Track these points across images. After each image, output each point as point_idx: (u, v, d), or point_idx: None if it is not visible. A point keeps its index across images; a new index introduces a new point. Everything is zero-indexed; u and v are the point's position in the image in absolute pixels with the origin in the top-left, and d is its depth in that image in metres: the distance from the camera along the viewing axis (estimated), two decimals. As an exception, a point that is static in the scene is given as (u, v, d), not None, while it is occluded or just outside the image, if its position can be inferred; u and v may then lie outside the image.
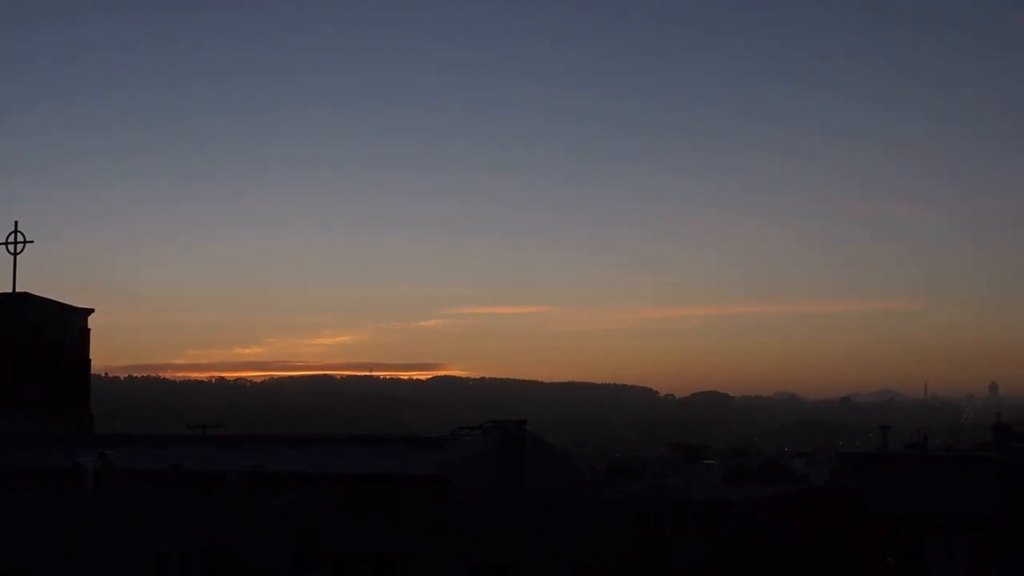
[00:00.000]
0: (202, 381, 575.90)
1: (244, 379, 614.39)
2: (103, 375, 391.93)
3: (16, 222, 72.56)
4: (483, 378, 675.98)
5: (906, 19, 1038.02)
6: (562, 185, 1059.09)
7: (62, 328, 71.75)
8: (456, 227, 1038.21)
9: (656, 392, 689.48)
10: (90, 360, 75.25)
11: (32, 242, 71.86)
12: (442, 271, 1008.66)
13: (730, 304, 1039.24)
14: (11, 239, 71.81)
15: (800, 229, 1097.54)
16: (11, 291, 71.52)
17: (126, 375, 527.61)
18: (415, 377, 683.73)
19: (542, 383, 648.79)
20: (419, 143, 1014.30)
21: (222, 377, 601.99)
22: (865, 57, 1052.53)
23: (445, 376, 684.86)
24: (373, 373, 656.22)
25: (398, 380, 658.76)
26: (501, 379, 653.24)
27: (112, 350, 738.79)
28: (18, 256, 71.34)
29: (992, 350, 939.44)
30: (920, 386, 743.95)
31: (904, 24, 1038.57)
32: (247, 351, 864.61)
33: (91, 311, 74.37)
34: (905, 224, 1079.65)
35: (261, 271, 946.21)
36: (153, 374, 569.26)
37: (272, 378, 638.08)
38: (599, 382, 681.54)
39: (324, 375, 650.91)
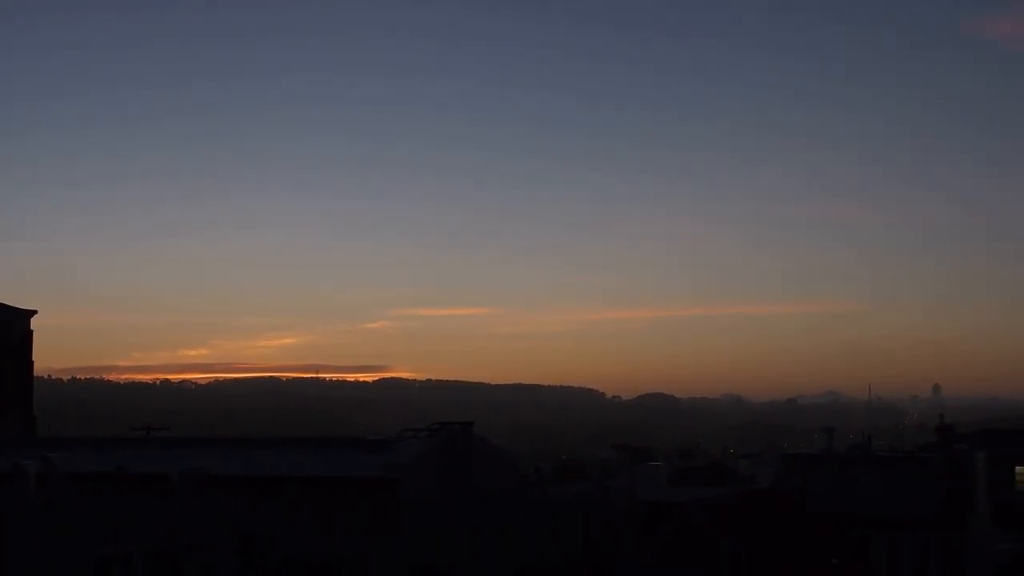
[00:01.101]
0: (146, 383, 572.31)
1: (189, 381, 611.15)
2: (46, 377, 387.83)
3: (-43, 224, 71.86)
4: (429, 380, 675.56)
5: (856, 23, 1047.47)
6: (509, 188, 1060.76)
7: (4, 329, 71.05)
8: (404, 229, 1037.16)
9: (602, 394, 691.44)
10: (32, 362, 74.56)
11: (-27, 243, 71.14)
12: (389, 273, 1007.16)
13: (677, 306, 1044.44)
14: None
15: (746, 231, 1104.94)
16: (-48, 292, 70.68)
17: (69, 377, 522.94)
18: (361, 379, 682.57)
19: (489, 385, 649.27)
20: (367, 147, 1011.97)
21: (167, 379, 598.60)
22: (820, 60, 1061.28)
23: (392, 378, 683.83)
24: (319, 375, 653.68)
25: (344, 382, 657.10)
26: (448, 381, 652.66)
27: (55, 352, 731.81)
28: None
29: (935, 352, 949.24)
30: (864, 388, 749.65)
31: (854, 28, 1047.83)
32: (192, 353, 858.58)
33: (34, 312, 73.73)
34: (849, 227, 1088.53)
35: (207, 273, 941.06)
36: (97, 376, 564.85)
37: (217, 380, 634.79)
38: (546, 384, 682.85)
39: (270, 377, 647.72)
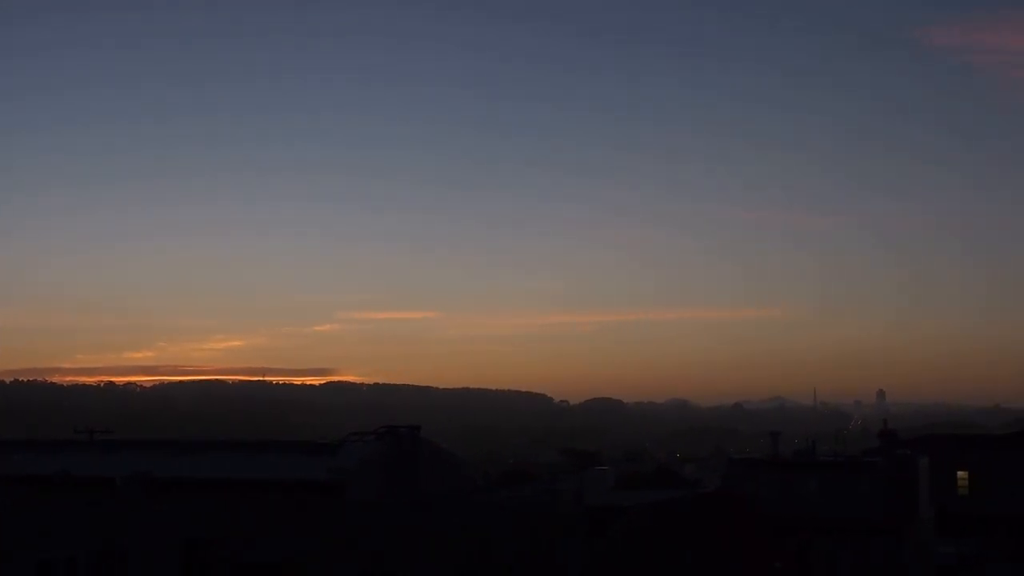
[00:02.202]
0: (91, 385, 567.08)
1: (134, 384, 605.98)
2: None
3: None
4: (377, 383, 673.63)
5: (805, 30, 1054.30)
6: (457, 192, 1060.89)
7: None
8: (352, 233, 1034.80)
9: (550, 398, 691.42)
10: (-26, 364, 73.84)
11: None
12: (337, 277, 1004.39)
13: (624, 311, 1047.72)
14: None
15: (694, 237, 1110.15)
16: None
17: (12, 379, 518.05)
18: (308, 382, 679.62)
19: (437, 389, 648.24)
20: (314, 152, 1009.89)
21: (111, 382, 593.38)
22: (771, 65, 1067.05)
23: (339, 381, 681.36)
24: (266, 378, 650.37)
25: (291, 385, 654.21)
26: (396, 385, 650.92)
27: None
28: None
29: (880, 358, 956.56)
30: (810, 393, 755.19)
31: (803, 34, 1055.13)
32: (137, 355, 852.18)
33: (-24, 314, 72.97)
34: (794, 233, 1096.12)
35: (152, 276, 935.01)
36: (40, 378, 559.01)
37: (163, 383, 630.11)
38: (493, 388, 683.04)
39: (216, 380, 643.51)
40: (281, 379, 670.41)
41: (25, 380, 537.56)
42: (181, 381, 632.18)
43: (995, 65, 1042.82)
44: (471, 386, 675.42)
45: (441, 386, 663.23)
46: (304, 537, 45.32)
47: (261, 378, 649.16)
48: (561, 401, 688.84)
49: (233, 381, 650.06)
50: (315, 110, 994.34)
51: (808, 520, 75.24)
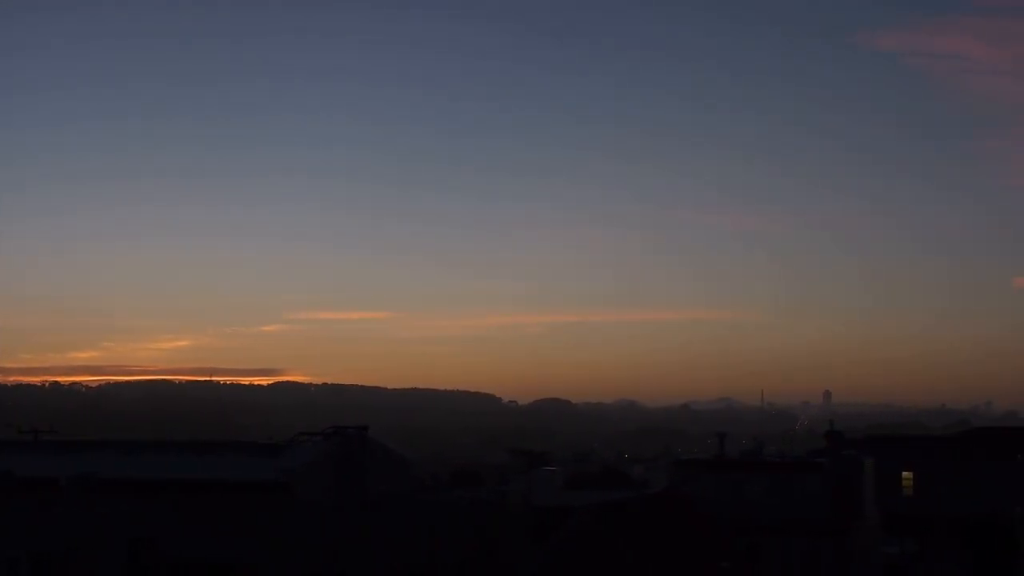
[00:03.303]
0: (35, 385, 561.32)
1: (79, 384, 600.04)
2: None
3: None
4: (325, 384, 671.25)
5: (756, 31, 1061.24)
6: (406, 191, 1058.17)
7: None
8: (300, 232, 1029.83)
9: (498, 398, 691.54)
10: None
11: None
12: (285, 276, 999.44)
13: (573, 311, 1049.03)
14: None
15: (642, 237, 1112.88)
16: None
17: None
18: (256, 383, 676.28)
19: (385, 389, 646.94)
20: (262, 151, 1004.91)
21: (56, 381, 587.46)
22: (724, 67, 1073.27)
23: (286, 382, 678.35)
24: (213, 379, 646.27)
25: (239, 386, 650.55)
26: (343, 385, 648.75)
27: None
28: None
29: (826, 360, 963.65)
30: (757, 394, 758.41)
31: (754, 33, 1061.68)
32: (82, 355, 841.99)
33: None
34: (742, 235, 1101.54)
35: (97, 274, 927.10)
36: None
37: (108, 383, 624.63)
38: (442, 388, 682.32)
39: (162, 380, 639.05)
40: (228, 379, 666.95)
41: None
42: (127, 381, 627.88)
43: (943, 68, 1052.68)
44: (419, 386, 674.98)
45: (389, 386, 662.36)
46: (251, 537, 45.16)
47: (208, 378, 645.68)
48: (509, 401, 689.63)
49: (180, 381, 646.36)
50: (263, 111, 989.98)
51: (755, 520, 75.66)
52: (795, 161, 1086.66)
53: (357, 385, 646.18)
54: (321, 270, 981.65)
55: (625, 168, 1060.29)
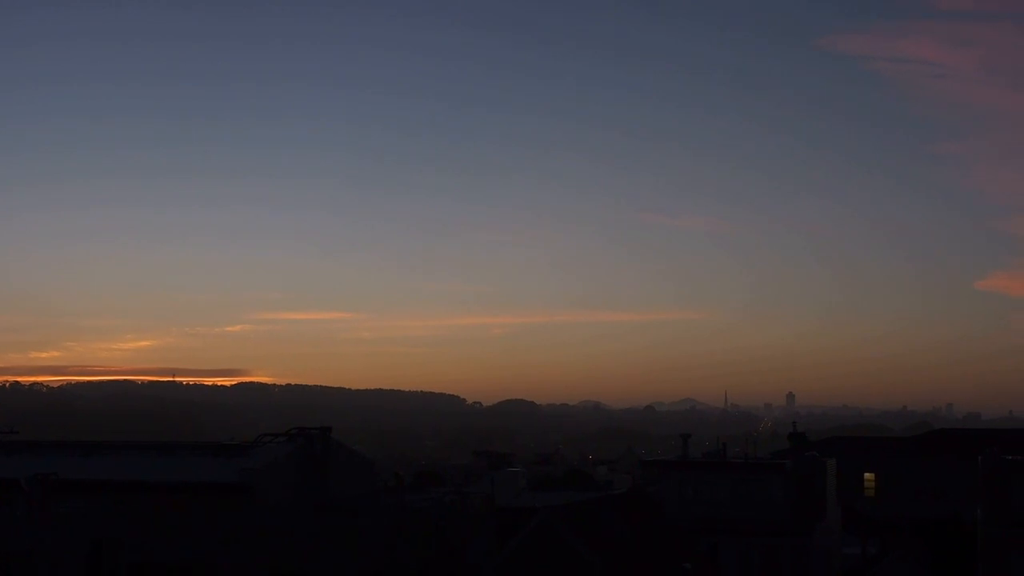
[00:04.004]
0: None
1: (40, 384, 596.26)
2: None
3: None
4: (289, 384, 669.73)
5: (707, 37, 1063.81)
6: (372, 193, 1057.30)
7: None
8: (265, 233, 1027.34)
9: (463, 400, 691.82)
10: None
11: None
12: (249, 277, 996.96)
13: (537, 313, 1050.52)
14: None
15: (607, 240, 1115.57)
16: None
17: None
18: (219, 383, 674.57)
19: (349, 390, 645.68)
20: (227, 153, 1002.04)
21: (16, 381, 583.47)
22: (691, 66, 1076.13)
23: (250, 382, 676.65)
24: (176, 379, 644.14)
25: (202, 386, 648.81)
26: (307, 385, 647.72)
27: None
28: None
29: (789, 362, 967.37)
30: (721, 395, 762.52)
31: (726, 35, 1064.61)
32: (43, 355, 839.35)
33: None
34: (707, 238, 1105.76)
35: (60, 274, 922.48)
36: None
37: (70, 383, 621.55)
38: (406, 389, 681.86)
39: (125, 380, 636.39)
40: (191, 380, 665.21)
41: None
42: (89, 381, 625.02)
43: (907, 72, 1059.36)
44: (383, 387, 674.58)
45: (353, 387, 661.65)
46: (213, 538, 44.93)
47: (171, 378, 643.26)
48: (474, 403, 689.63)
49: (142, 381, 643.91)
50: (225, 114, 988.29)
51: (718, 521, 75.88)
52: (760, 163, 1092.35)
53: (321, 386, 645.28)
54: (285, 271, 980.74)
55: (591, 169, 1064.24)
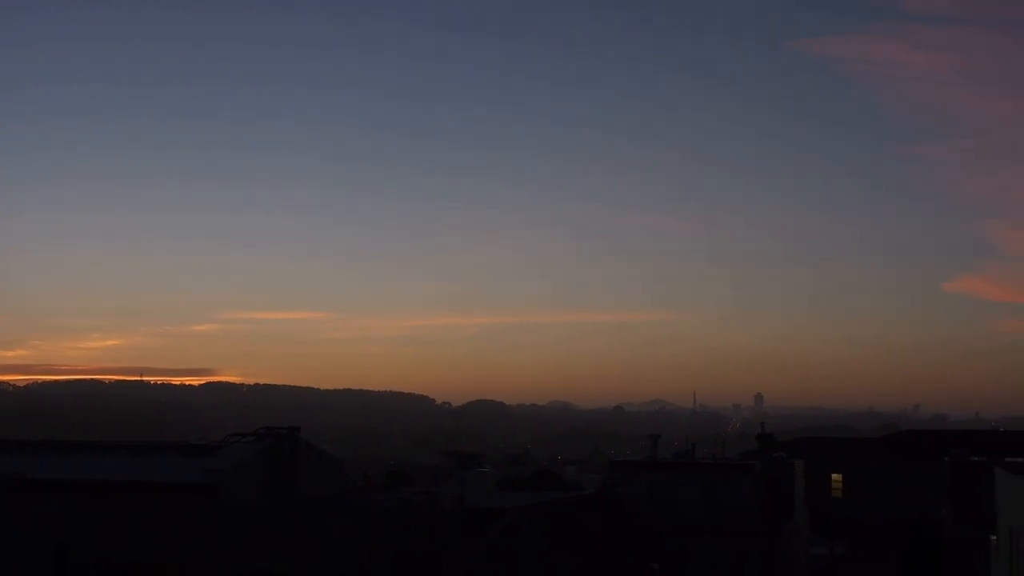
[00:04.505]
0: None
1: (6, 383, 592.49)
2: None
3: None
4: (258, 384, 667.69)
5: (681, 37, 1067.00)
6: (341, 192, 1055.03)
7: None
8: (234, 232, 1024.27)
9: (432, 400, 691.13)
10: None
11: None
12: (218, 276, 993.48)
13: (507, 313, 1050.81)
14: None
15: (576, 240, 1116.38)
16: None
17: None
18: (187, 382, 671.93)
19: (318, 390, 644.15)
20: (195, 152, 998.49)
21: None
22: (663, 65, 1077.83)
23: (219, 382, 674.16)
24: (143, 378, 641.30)
25: (170, 386, 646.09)
26: (276, 385, 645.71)
27: None
28: None
29: (758, 362, 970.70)
30: (690, 396, 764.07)
31: (697, 36, 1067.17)
32: (9, 354, 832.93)
33: None
34: (678, 238, 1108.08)
35: (26, 272, 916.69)
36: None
37: (36, 382, 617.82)
38: (375, 389, 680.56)
39: (92, 380, 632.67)
40: (159, 379, 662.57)
41: None
42: (56, 380, 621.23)
43: (878, 74, 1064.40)
44: (352, 387, 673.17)
45: (322, 387, 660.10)
46: (180, 539, 44.72)
47: (139, 378, 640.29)
48: (443, 403, 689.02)
49: (110, 381, 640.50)
50: (195, 114, 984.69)
51: (686, 521, 76.04)
52: (730, 164, 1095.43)
53: (289, 385, 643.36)
54: (254, 270, 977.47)
55: (561, 169, 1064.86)
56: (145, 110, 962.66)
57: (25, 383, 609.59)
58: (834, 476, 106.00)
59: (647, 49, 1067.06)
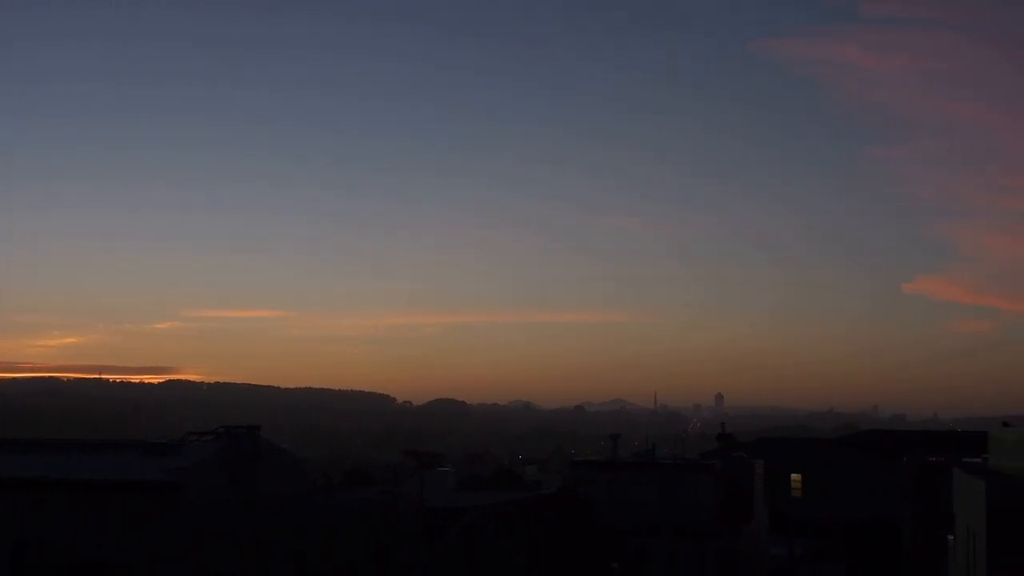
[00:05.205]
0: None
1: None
2: None
3: None
4: (218, 382, 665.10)
5: (648, 39, 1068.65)
6: (303, 190, 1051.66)
7: None
8: (194, 230, 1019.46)
9: (393, 399, 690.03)
10: None
11: None
12: (178, 274, 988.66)
13: (468, 312, 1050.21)
14: None
15: (539, 240, 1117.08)
16: None
17: None
18: (147, 381, 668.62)
19: (279, 388, 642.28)
20: (153, 150, 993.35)
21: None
22: (630, 66, 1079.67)
23: (178, 380, 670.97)
24: (103, 376, 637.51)
25: (129, 384, 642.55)
26: (236, 384, 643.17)
27: None
28: None
29: (718, 364, 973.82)
30: (650, 396, 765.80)
31: (648, 42, 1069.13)
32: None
33: None
34: (638, 238, 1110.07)
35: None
36: None
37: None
38: (336, 388, 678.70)
39: (50, 377, 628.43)
40: (119, 377, 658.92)
41: None
42: (14, 378, 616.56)
43: (834, 77, 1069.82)
44: (314, 386, 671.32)
45: (283, 386, 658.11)
46: (139, 538, 44.47)
47: (98, 376, 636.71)
48: (404, 402, 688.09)
49: (69, 379, 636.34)
50: (154, 113, 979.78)
51: (646, 521, 76.19)
52: (693, 165, 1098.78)
53: (250, 384, 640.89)
54: (214, 268, 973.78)
55: (525, 169, 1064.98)
56: (100, 109, 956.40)
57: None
58: (794, 476, 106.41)
59: (612, 50, 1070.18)
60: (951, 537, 57.41)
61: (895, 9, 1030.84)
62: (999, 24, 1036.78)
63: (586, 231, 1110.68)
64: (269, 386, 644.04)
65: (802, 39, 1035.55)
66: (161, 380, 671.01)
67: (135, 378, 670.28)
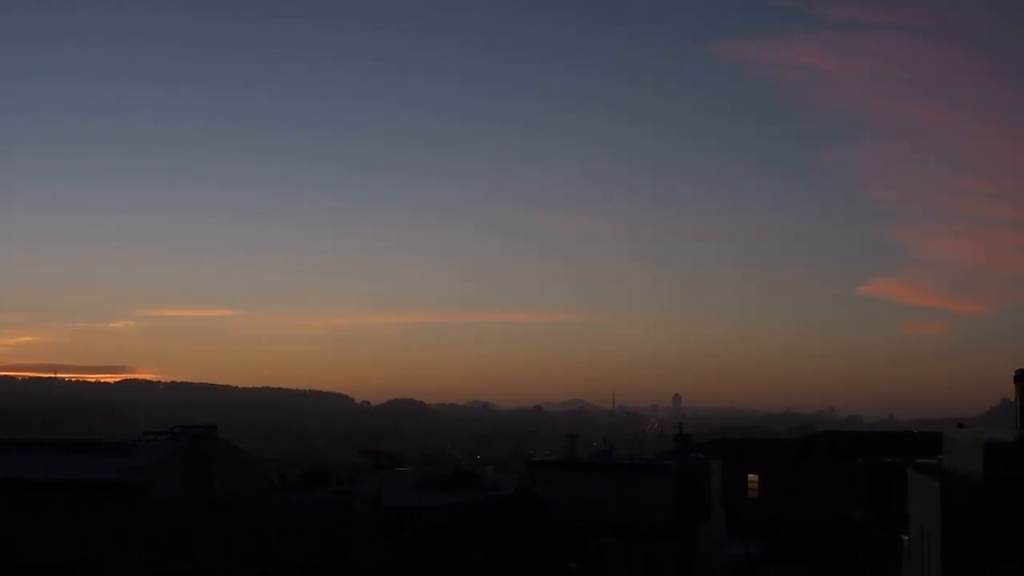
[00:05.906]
0: None
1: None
2: None
3: None
4: (174, 382, 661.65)
5: (606, 38, 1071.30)
6: (260, 189, 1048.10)
7: None
8: (151, 229, 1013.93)
9: (351, 399, 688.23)
10: None
11: None
12: (134, 272, 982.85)
13: (427, 312, 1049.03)
14: None
15: (497, 240, 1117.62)
16: None
17: None
18: (103, 380, 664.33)
19: (235, 388, 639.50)
20: (113, 149, 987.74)
21: None
22: (590, 66, 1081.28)
23: (135, 379, 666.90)
24: (58, 375, 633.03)
25: (84, 383, 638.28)
26: (193, 383, 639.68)
27: None
28: None
29: (676, 364, 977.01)
30: (609, 396, 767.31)
31: (606, 41, 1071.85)
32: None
33: None
34: (595, 238, 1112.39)
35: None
36: None
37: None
38: (293, 388, 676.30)
39: (5, 376, 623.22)
40: (74, 376, 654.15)
41: None
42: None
43: (793, 79, 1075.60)
44: (270, 385, 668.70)
45: (240, 385, 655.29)
46: (96, 538, 44.28)
47: (53, 375, 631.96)
48: (362, 402, 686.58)
49: (23, 378, 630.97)
50: (114, 113, 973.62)
51: (604, 521, 76.34)
52: (649, 165, 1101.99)
53: (207, 383, 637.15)
54: (171, 267, 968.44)
55: (482, 168, 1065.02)
56: (63, 107, 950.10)
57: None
58: (750, 477, 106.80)
59: (568, 49, 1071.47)
60: (905, 537, 57.81)
61: (855, 12, 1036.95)
62: (958, 28, 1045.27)
63: (544, 231, 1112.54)
64: (226, 386, 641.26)
65: (761, 41, 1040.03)
66: (117, 379, 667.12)
67: (91, 377, 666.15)
